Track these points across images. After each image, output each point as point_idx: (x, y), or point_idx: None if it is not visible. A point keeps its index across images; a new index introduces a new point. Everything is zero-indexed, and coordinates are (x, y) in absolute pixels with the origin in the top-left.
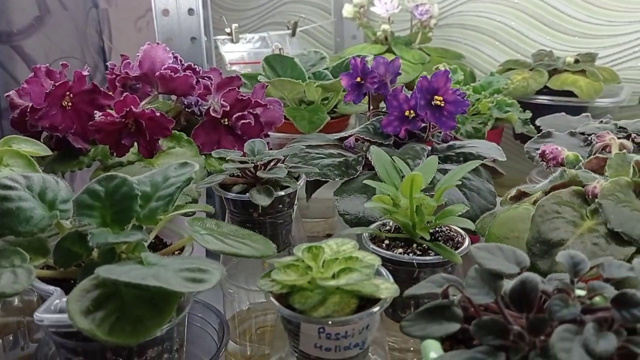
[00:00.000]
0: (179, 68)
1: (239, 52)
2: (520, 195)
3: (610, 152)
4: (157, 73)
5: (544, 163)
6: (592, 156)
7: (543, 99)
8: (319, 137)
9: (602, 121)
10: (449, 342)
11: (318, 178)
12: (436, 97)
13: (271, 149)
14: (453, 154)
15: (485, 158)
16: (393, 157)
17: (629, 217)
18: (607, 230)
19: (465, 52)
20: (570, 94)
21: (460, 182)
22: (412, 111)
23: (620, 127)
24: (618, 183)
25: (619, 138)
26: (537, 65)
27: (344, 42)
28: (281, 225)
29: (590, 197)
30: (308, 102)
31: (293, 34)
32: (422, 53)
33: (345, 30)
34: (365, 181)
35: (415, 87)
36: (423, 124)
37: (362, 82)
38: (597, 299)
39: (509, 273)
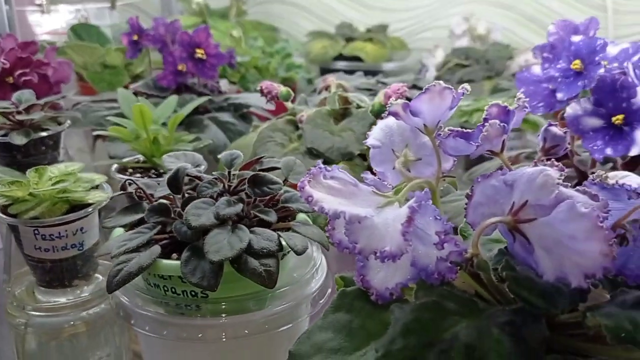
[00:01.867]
0: None
1: (51, 23)
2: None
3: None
4: None
5: (264, 96)
6: (320, 95)
7: (340, 64)
8: (110, 95)
9: (369, 79)
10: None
11: (95, 127)
12: (198, 50)
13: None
14: (226, 104)
15: (251, 107)
16: (139, 98)
17: (320, 136)
18: (306, 148)
19: (283, 25)
20: (360, 59)
21: (226, 127)
22: (184, 65)
23: (381, 82)
24: (320, 112)
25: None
26: (335, 35)
27: (173, 17)
28: None
29: (299, 123)
30: (112, 67)
31: (112, 7)
32: (236, 25)
33: (174, 5)
34: (108, 118)
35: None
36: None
37: (139, 39)
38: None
39: (189, 172)
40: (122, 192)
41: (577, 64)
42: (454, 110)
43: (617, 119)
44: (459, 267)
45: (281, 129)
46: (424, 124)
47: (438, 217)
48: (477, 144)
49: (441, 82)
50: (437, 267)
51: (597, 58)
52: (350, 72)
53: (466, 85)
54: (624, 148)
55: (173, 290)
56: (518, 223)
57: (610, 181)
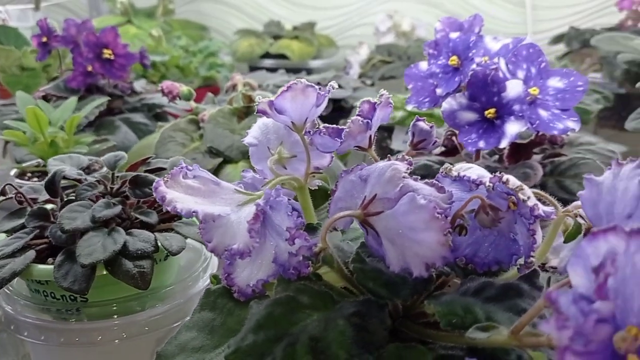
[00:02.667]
0: None
1: None
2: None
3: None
4: None
5: (165, 96)
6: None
7: (267, 62)
8: None
9: (290, 76)
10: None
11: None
12: (105, 50)
13: None
14: (140, 105)
15: (164, 107)
16: (38, 101)
17: (220, 135)
18: (206, 147)
19: (214, 23)
20: (286, 57)
21: (138, 127)
22: (92, 66)
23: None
24: (222, 111)
25: None
26: (263, 33)
27: (100, 17)
28: None
29: (201, 122)
30: (29, 69)
31: (37, 8)
32: (162, 24)
33: (102, 5)
34: (5, 122)
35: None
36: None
37: (48, 41)
38: None
39: (67, 174)
40: (2, 197)
41: (454, 60)
42: (322, 107)
43: (490, 112)
44: (311, 262)
45: (183, 128)
46: (292, 122)
47: (289, 214)
48: (341, 140)
49: (303, 80)
50: (290, 262)
51: (471, 54)
52: (274, 69)
53: (333, 83)
54: (495, 141)
55: (52, 295)
56: (367, 216)
57: (454, 173)
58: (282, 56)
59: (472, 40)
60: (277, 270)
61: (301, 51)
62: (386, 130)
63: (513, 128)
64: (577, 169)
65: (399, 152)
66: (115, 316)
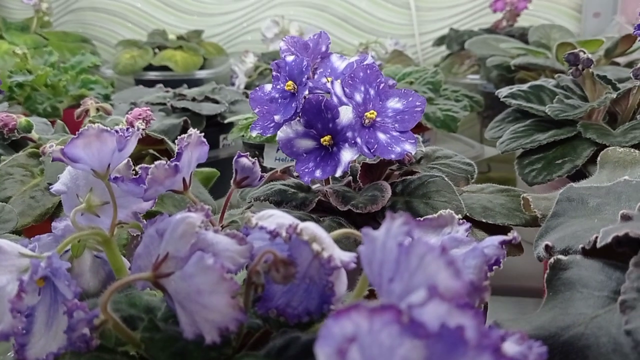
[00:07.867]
0: None
1: None
2: None
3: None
4: None
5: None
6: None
7: (151, 75)
8: None
9: (167, 91)
10: None
11: None
12: None
13: None
14: None
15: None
16: None
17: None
18: (47, 184)
19: (99, 33)
20: (170, 68)
21: None
22: None
23: (179, 95)
24: (66, 141)
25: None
26: (146, 44)
27: None
28: None
29: (42, 156)
30: None
31: None
32: (38, 38)
33: None
34: None
35: None
36: None
37: None
38: None
39: None
40: None
41: (290, 85)
42: (128, 150)
43: (325, 140)
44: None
45: (22, 163)
46: (92, 169)
47: (67, 283)
48: (145, 187)
49: (98, 125)
50: (71, 337)
51: (304, 79)
52: (173, 84)
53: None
54: (331, 169)
55: None
56: (158, 278)
57: (253, 223)
58: (167, 67)
59: (305, 64)
60: (69, 341)
61: (185, 62)
62: (257, 148)
63: (347, 155)
64: (425, 188)
65: (272, 169)
66: None
